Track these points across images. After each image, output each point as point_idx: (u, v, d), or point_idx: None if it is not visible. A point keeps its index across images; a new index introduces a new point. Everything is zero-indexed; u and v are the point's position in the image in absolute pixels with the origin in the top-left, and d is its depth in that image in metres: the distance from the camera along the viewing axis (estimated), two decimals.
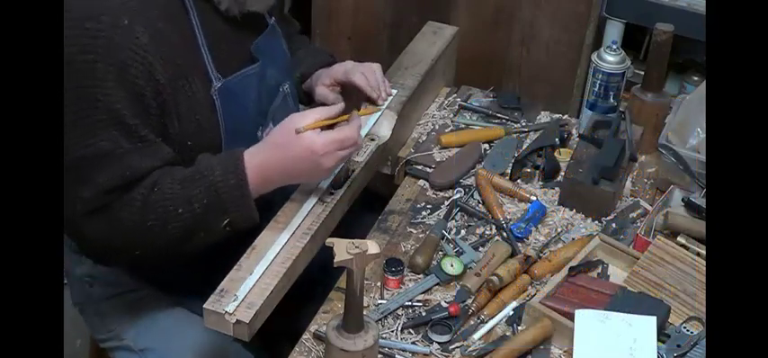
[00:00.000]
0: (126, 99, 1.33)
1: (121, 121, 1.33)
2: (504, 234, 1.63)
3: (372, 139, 1.70)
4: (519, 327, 1.44)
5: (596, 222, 1.68)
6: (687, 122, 1.77)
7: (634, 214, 1.71)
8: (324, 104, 1.71)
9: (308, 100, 1.81)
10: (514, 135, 1.91)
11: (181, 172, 1.41)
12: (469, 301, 1.48)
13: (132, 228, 1.37)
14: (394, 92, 1.79)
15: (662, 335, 1.39)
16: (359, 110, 1.61)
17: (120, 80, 1.31)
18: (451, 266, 1.53)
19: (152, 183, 1.38)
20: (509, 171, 1.78)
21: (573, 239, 1.62)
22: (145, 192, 1.37)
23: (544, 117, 1.99)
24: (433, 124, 1.94)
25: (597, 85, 1.83)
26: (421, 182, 1.79)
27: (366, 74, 1.71)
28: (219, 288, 1.34)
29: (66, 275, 1.68)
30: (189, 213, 1.38)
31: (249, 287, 1.34)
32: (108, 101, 1.31)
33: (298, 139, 1.41)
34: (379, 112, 1.73)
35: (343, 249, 1.21)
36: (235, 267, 1.37)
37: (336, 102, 1.70)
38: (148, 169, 1.37)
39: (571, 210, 1.71)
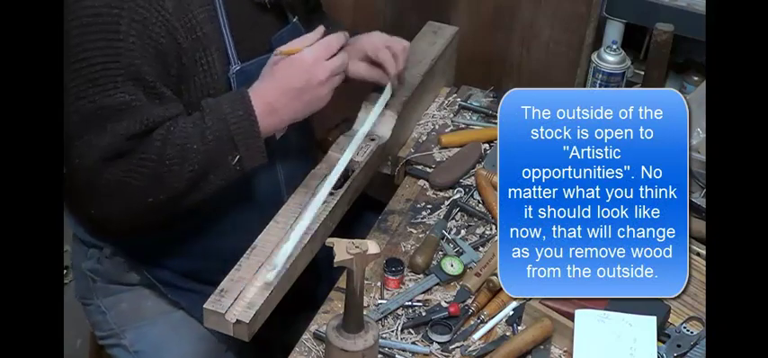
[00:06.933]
0: (146, 57, 1.35)
1: (141, 77, 1.36)
2: None
3: (372, 139, 1.69)
4: (519, 327, 1.44)
5: None
6: None
7: None
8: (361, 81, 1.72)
9: None
10: None
11: (191, 116, 1.44)
12: (469, 301, 1.48)
13: (152, 168, 1.38)
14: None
15: (662, 335, 1.39)
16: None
17: (142, 37, 1.34)
18: (451, 266, 1.53)
19: (168, 125, 1.40)
20: None
21: None
22: (164, 132, 1.39)
23: None
24: (433, 124, 1.94)
25: (597, 85, 1.83)
26: (421, 182, 1.79)
27: (392, 58, 1.70)
28: (219, 288, 1.34)
29: (72, 269, 1.69)
30: (204, 148, 1.40)
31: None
32: (129, 56, 1.34)
33: (286, 60, 1.47)
34: (379, 109, 1.71)
35: (343, 249, 1.21)
36: (235, 267, 1.37)
37: (377, 77, 1.71)
38: (165, 117, 1.40)
39: None
